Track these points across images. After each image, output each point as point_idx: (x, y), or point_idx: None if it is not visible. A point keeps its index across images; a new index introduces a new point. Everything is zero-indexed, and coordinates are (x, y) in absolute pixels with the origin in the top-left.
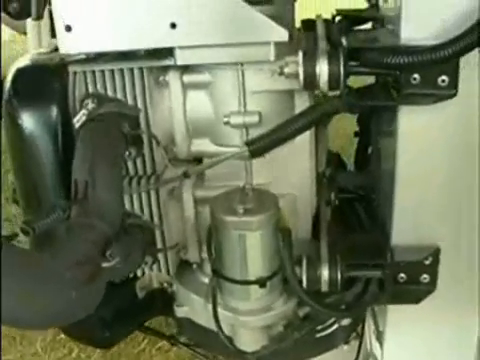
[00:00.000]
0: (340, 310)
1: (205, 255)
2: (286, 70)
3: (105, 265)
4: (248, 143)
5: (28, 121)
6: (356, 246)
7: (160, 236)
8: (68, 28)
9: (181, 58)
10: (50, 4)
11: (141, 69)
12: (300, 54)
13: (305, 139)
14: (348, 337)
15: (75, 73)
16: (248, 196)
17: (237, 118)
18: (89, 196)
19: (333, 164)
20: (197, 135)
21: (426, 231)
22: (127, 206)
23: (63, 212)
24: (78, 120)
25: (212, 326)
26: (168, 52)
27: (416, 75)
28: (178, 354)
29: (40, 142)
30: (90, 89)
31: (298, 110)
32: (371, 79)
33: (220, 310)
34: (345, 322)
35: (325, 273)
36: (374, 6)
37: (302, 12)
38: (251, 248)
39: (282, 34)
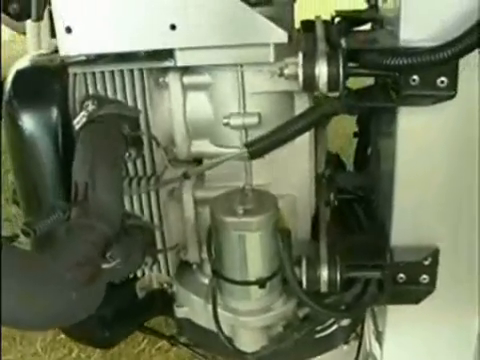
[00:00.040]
0: (339, 311)
1: (205, 256)
2: (286, 71)
3: (105, 266)
4: (248, 145)
5: (28, 122)
6: (355, 247)
7: (160, 237)
8: (68, 30)
9: (181, 59)
10: (50, 4)
11: (141, 70)
12: (300, 55)
13: (304, 140)
14: (348, 337)
15: (75, 74)
16: (248, 197)
17: (237, 119)
18: (89, 197)
19: (332, 165)
20: (197, 136)
21: (425, 232)
22: (127, 207)
23: (63, 213)
24: (78, 122)
25: (212, 327)
26: (168, 53)
27: (415, 76)
28: (178, 354)
29: (40, 143)
30: (90, 90)
31: (298, 111)
32: (370, 80)
33: (220, 311)
34: (345, 322)
35: (324, 274)
36: (373, 7)
37: (302, 13)
38: (251, 249)
39: (281, 35)
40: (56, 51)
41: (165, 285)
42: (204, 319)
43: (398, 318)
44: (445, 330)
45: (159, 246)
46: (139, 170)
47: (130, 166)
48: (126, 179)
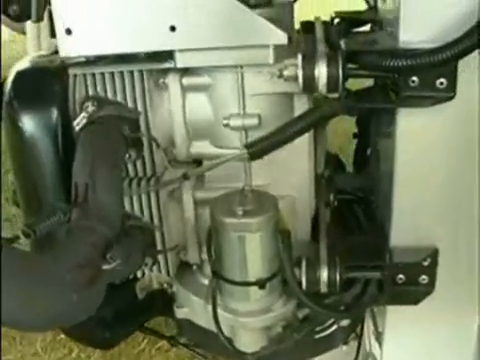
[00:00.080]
0: (339, 311)
1: (205, 256)
2: (285, 73)
3: (106, 267)
4: (247, 146)
5: (28, 123)
6: (355, 247)
7: (160, 237)
8: (68, 31)
9: (181, 61)
10: (50, 4)
11: (141, 72)
12: (299, 57)
13: (304, 141)
14: (347, 338)
15: (75, 76)
16: (247, 198)
17: (237, 120)
18: (89, 199)
19: (332, 165)
20: (197, 137)
21: (425, 232)
22: (127, 208)
23: (64, 215)
24: (78, 123)
25: (212, 327)
26: (168, 55)
27: (415, 78)
28: (178, 354)
29: (40, 144)
30: (90, 92)
31: (297, 112)
32: (370, 81)
33: (220, 311)
34: (344, 323)
35: (324, 274)
36: (372, 8)
37: (301, 14)
38: (250, 250)
39: (281, 37)
40: (56, 52)
41: (165, 286)
42: (204, 320)
43: (397, 318)
44: (444, 330)
45: (159, 247)
46: (139, 171)
47: (130, 167)
48: (126, 180)
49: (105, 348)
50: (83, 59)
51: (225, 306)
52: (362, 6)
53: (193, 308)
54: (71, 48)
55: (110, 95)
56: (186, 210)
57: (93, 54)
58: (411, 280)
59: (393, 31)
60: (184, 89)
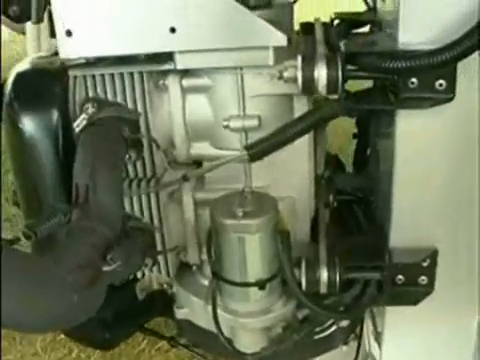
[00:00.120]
0: (339, 312)
1: (205, 257)
2: (285, 74)
3: (106, 269)
4: (247, 147)
5: (29, 125)
6: (354, 248)
7: (160, 238)
8: (68, 33)
9: (181, 62)
10: (50, 4)
11: (141, 73)
12: (299, 58)
13: (304, 142)
14: (347, 338)
15: (75, 77)
16: (247, 199)
17: (236, 122)
18: (90, 200)
19: (331, 166)
20: (197, 138)
21: (424, 233)
22: (127, 208)
23: (64, 216)
24: (78, 124)
25: (212, 328)
26: (168, 56)
27: (414, 79)
28: (178, 354)
29: (41, 146)
30: (90, 93)
31: (297, 114)
32: (369, 83)
33: (220, 312)
34: (344, 323)
35: (324, 275)
36: (372, 9)
37: (301, 14)
38: (250, 251)
39: (281, 39)
40: (56, 53)
41: (165, 286)
42: (204, 320)
43: (397, 319)
44: (444, 331)
45: (159, 248)
46: (139, 172)
47: (130, 168)
48: (126, 181)
49: (105, 349)
50: (83, 61)
51: (225, 307)
52: (362, 7)
53: (193, 309)
54: (71, 50)
55: (110, 96)
56: (186, 211)
57: (93, 56)
58: (410, 281)
59: (392, 32)
60: (184, 90)
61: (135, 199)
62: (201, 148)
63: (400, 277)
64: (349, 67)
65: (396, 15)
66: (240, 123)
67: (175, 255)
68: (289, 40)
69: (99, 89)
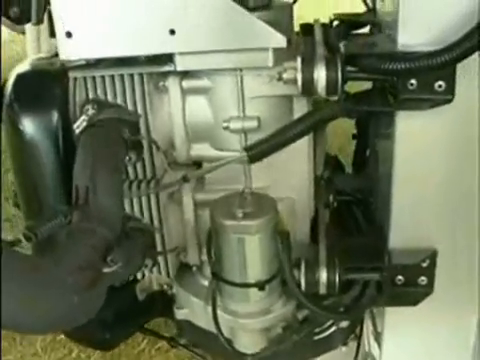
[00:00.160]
0: (338, 312)
1: (205, 258)
2: (284, 76)
3: (106, 270)
4: (247, 148)
5: (29, 126)
6: (354, 249)
7: (160, 239)
8: (68, 34)
9: (180, 64)
10: (49, 4)
11: (141, 75)
12: (298, 60)
13: (303, 142)
14: (346, 339)
15: (75, 79)
16: (247, 200)
17: (236, 123)
18: (90, 201)
19: (331, 167)
20: (196, 140)
21: (423, 234)
22: (127, 210)
23: (64, 217)
24: (78, 126)
25: (212, 328)
26: (168, 58)
27: (413, 81)
28: (178, 355)
29: (41, 147)
30: (90, 95)
31: (297, 115)
32: (368, 84)
33: (220, 312)
34: (343, 324)
35: (323, 276)
36: (371, 10)
37: (301, 15)
38: (250, 252)
39: (280, 40)
40: (56, 54)
41: (165, 287)
42: (204, 321)
43: (396, 319)
44: (443, 331)
45: (159, 248)
46: (139, 173)
47: (130, 169)
48: (126, 182)
49: (105, 349)
50: (83, 62)
51: (225, 307)
52: (362, 8)
53: (193, 309)
54: (71, 51)
55: (110, 98)
56: (186, 212)
57: (93, 57)
58: (410, 281)
59: (392, 34)
60: (184, 92)
61: (135, 200)
62: (201, 149)
63: (400, 278)
64: (348, 68)
65: (395, 16)
66: (240, 124)
67: (175, 256)
68: (289, 41)
69: (99, 90)
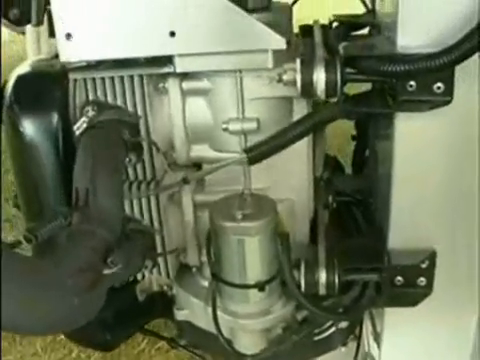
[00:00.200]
0: (338, 313)
1: (204, 259)
2: (284, 77)
3: (106, 272)
4: (247, 150)
5: (29, 128)
6: (353, 250)
7: (160, 240)
8: (68, 36)
9: (180, 66)
10: (49, 4)
11: (141, 76)
12: (298, 62)
13: (303, 144)
14: (346, 339)
15: (75, 80)
16: (246, 201)
17: (236, 124)
18: (90, 203)
19: (330, 167)
20: (196, 141)
21: (422, 234)
22: (127, 211)
23: (64, 219)
24: (78, 127)
25: (212, 329)
26: (167, 60)
27: (412, 82)
28: (177, 355)
29: (41, 149)
30: (90, 96)
31: (296, 116)
32: (367, 85)
33: (219, 313)
34: (343, 325)
35: (323, 277)
36: (371, 11)
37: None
38: (250, 253)
39: (280, 42)
40: (56, 56)
41: (165, 288)
42: (204, 322)
43: (396, 319)
44: (443, 331)
45: (159, 250)
46: (139, 175)
47: (130, 171)
48: (126, 184)
49: (105, 350)
50: (83, 64)
51: (225, 308)
52: (361, 9)
53: (193, 310)
54: (71, 53)
55: (110, 99)
56: (186, 213)
57: (93, 59)
58: (409, 282)
59: (391, 35)
60: (184, 93)
61: (135, 201)
62: (201, 150)
63: (399, 278)
64: (348, 70)
65: (395, 18)
66: (239, 126)
67: (175, 257)
68: (288, 43)
69: (99, 92)
